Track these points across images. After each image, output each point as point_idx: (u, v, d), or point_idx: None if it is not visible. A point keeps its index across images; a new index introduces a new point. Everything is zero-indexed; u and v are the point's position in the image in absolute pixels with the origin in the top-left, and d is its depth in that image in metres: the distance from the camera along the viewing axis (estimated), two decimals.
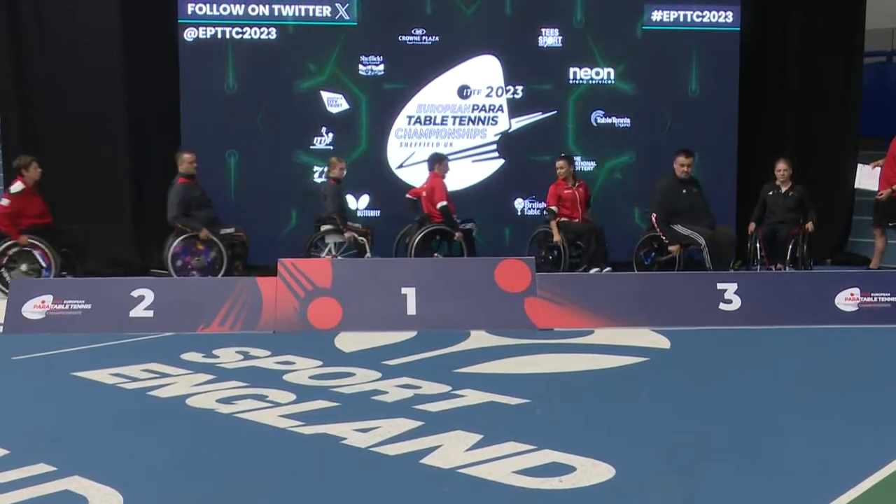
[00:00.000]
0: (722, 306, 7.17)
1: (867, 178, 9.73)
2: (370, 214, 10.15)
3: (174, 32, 9.88)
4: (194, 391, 5.05)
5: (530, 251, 9.10)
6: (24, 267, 8.61)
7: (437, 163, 9.53)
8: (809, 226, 9.00)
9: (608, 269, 8.81)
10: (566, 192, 9.19)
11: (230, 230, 9.09)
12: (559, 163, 9.35)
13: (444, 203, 9.25)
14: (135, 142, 10.06)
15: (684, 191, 8.74)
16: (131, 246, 10.01)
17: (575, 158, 9.87)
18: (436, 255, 9.30)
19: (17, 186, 8.62)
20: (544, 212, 9.63)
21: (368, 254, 9.11)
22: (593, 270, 8.70)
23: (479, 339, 6.65)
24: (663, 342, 6.55)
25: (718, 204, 9.33)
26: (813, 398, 5.01)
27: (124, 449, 4.04)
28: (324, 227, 9.33)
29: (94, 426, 4.45)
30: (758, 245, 9.06)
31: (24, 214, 8.61)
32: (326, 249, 9.24)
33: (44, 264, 8.50)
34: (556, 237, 9.06)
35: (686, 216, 8.69)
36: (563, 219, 9.17)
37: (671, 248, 8.64)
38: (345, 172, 9.50)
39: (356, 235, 9.22)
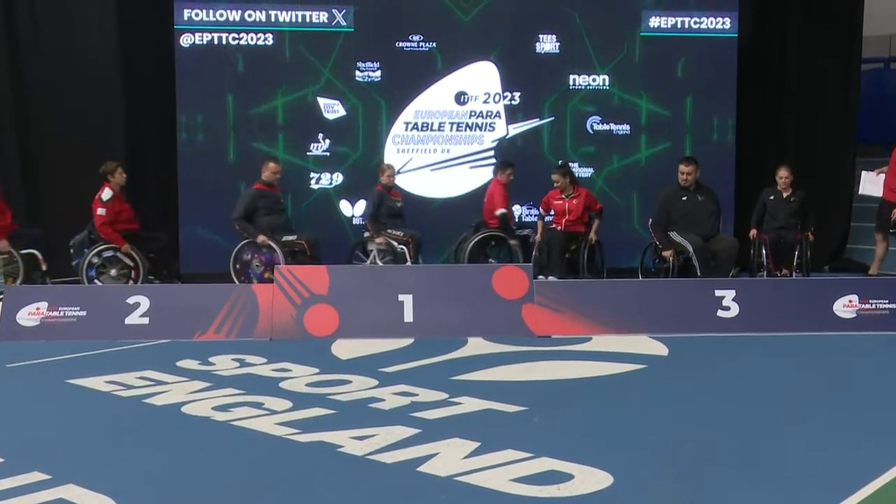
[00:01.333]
0: (720, 313, 7.16)
1: (871, 184, 9.71)
2: None
3: (171, 38, 9.87)
4: (190, 399, 5.02)
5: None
6: (113, 272, 8.64)
7: (501, 170, 9.58)
8: (810, 235, 9.05)
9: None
10: (556, 202, 9.24)
11: (292, 237, 9.06)
12: (553, 175, 9.35)
13: (503, 210, 9.31)
14: (132, 147, 10.04)
15: (684, 198, 8.69)
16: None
17: (572, 165, 9.81)
18: (490, 260, 9.33)
19: (107, 193, 8.60)
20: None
21: (409, 262, 9.02)
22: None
23: (477, 346, 6.63)
24: (661, 349, 6.53)
25: None
26: (812, 404, 4.99)
27: (119, 457, 4.01)
28: (366, 234, 9.35)
29: (89, 434, 4.43)
30: (763, 251, 9.03)
31: (117, 220, 8.63)
32: (371, 257, 9.20)
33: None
34: (538, 236, 9.26)
35: (682, 224, 8.64)
36: (552, 226, 9.24)
37: (664, 253, 8.61)
38: (393, 179, 9.49)
39: (395, 243, 9.11)
